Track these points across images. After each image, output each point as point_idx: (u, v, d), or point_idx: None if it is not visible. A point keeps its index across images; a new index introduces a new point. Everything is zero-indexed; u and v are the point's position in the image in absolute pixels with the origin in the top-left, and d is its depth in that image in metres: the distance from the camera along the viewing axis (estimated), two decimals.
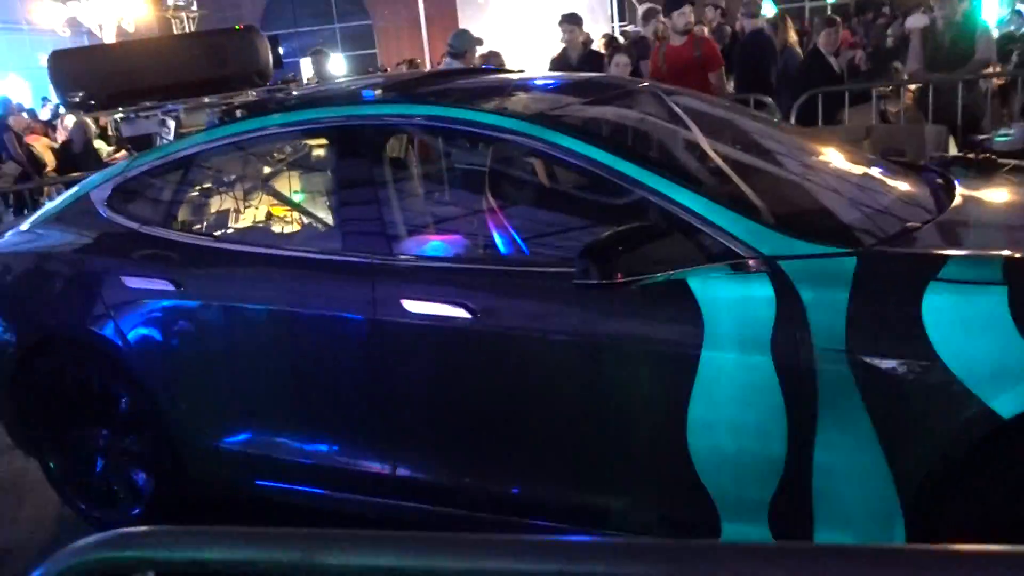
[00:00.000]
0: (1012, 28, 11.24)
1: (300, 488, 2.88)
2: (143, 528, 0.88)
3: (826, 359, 2.02)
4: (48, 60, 3.50)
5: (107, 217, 3.28)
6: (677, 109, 2.95)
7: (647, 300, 2.20)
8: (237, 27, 3.89)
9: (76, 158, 9.67)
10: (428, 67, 12.92)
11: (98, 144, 10.23)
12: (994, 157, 3.04)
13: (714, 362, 2.13)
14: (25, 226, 3.65)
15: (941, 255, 2.08)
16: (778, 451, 2.10)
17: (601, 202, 2.50)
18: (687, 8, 6.64)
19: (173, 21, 15.79)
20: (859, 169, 2.86)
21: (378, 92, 2.83)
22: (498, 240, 2.62)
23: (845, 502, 2.09)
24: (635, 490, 2.36)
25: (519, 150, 2.73)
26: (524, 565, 0.77)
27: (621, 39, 11.83)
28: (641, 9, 10.45)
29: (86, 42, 13.63)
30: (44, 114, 12.81)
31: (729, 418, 2.15)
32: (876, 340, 2.00)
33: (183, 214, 3.21)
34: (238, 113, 3.24)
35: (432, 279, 2.56)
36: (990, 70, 6.39)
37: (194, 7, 16.12)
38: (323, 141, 3.08)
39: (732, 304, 2.13)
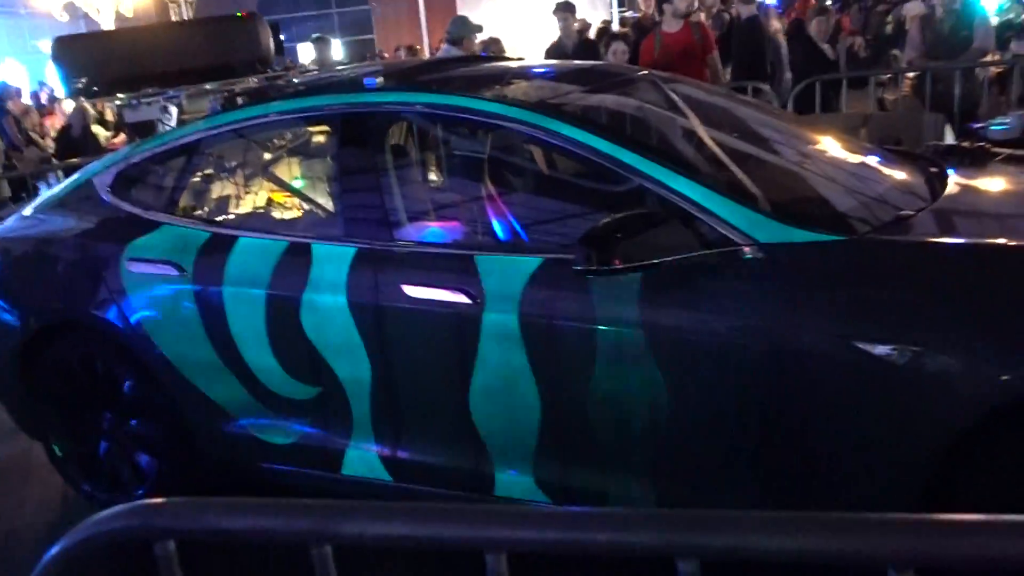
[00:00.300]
0: (1011, 16, 11.24)
1: (305, 471, 2.92)
2: (165, 499, 0.92)
3: (821, 345, 2.07)
4: (52, 45, 3.52)
5: (110, 202, 3.32)
6: (675, 97, 2.98)
7: (646, 286, 2.23)
8: (239, 14, 3.92)
9: (75, 143, 9.68)
10: (427, 53, 12.89)
11: (96, 129, 10.24)
12: (988, 146, 3.07)
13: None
14: (28, 211, 3.67)
15: (932, 243, 2.12)
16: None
17: (599, 189, 2.53)
18: None
19: (171, 7, 15.71)
20: (853, 157, 2.90)
21: (379, 80, 2.86)
22: (498, 227, 2.66)
23: (838, 485, 2.14)
24: (630, 473, 2.41)
25: (519, 138, 2.76)
26: (525, 533, 0.81)
27: (618, 26, 11.83)
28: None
29: (83, 27, 13.57)
30: (39, 99, 12.77)
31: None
32: (867, 325, 2.04)
33: (186, 200, 3.24)
34: (240, 100, 3.27)
35: (432, 265, 2.60)
36: (988, 58, 6.41)
37: None
38: (325, 128, 3.11)
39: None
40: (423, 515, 0.85)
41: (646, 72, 3.24)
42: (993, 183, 2.81)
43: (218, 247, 3.00)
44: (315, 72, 4.02)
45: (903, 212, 2.37)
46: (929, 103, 5.83)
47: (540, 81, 3.04)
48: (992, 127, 4.58)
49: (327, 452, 2.87)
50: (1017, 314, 1.95)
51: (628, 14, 13.37)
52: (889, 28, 14.20)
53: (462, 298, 2.48)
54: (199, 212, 3.21)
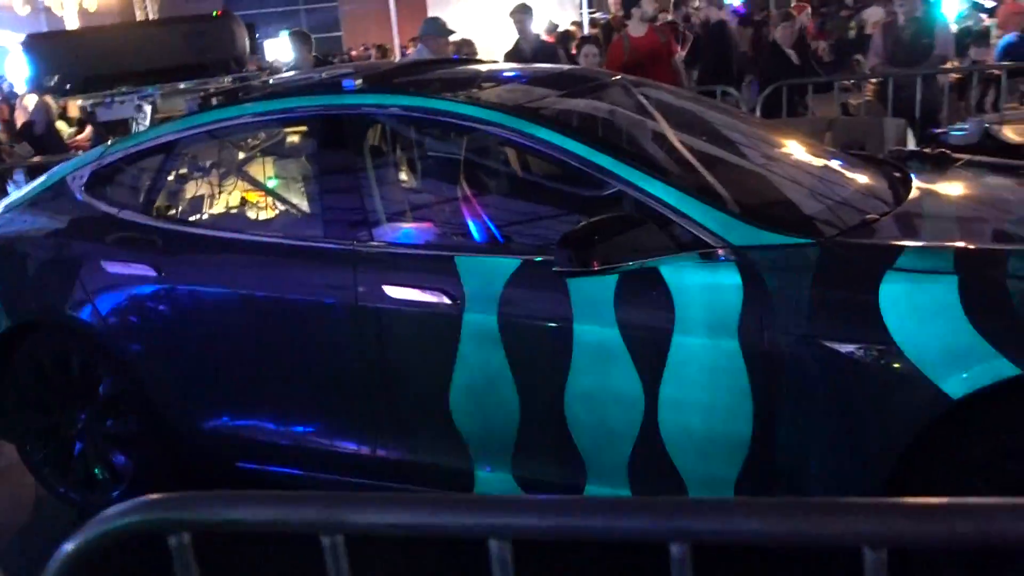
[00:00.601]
0: (970, 23, 11.54)
1: (281, 469, 2.95)
2: (179, 493, 0.96)
3: (791, 343, 2.14)
4: (23, 43, 3.50)
5: (85, 201, 3.31)
6: (648, 102, 3.05)
7: (623, 287, 2.30)
8: (215, 13, 3.92)
9: (38, 139, 9.55)
10: (397, 53, 12.87)
11: (59, 125, 10.09)
12: (948, 152, 3.18)
13: (685, 346, 2.24)
14: None
15: (897, 246, 2.21)
16: (744, 431, 2.23)
17: (576, 192, 2.59)
18: None
19: (135, 1, 15.52)
20: (821, 162, 2.99)
21: (357, 82, 2.89)
22: (477, 228, 2.71)
23: (807, 478, 2.22)
24: (606, 468, 2.47)
25: (497, 141, 2.81)
26: (527, 520, 0.87)
27: (588, 27, 11.93)
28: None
29: (43, 20, 13.36)
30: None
31: (698, 399, 2.27)
32: (837, 325, 2.12)
33: (163, 199, 3.24)
34: (216, 100, 3.27)
35: (413, 266, 2.64)
36: (949, 65, 6.58)
37: None
38: (303, 130, 3.14)
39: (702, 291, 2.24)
40: (430, 504, 0.89)
41: (619, 77, 3.31)
42: (954, 188, 2.92)
43: (196, 247, 3.01)
44: (289, 73, 4.00)
45: (869, 216, 2.46)
46: (891, 108, 5.98)
47: (517, 85, 3.09)
48: (952, 132, 4.72)
49: (307, 451, 2.89)
50: (976, 313, 2.04)
51: (597, 15, 13.47)
52: (852, 33, 14.51)
53: (443, 299, 2.53)
54: (176, 212, 3.22)
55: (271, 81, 3.49)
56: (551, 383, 2.43)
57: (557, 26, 10.90)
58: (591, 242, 2.23)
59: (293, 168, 3.19)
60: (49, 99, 10.44)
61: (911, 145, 5.24)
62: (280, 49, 22.13)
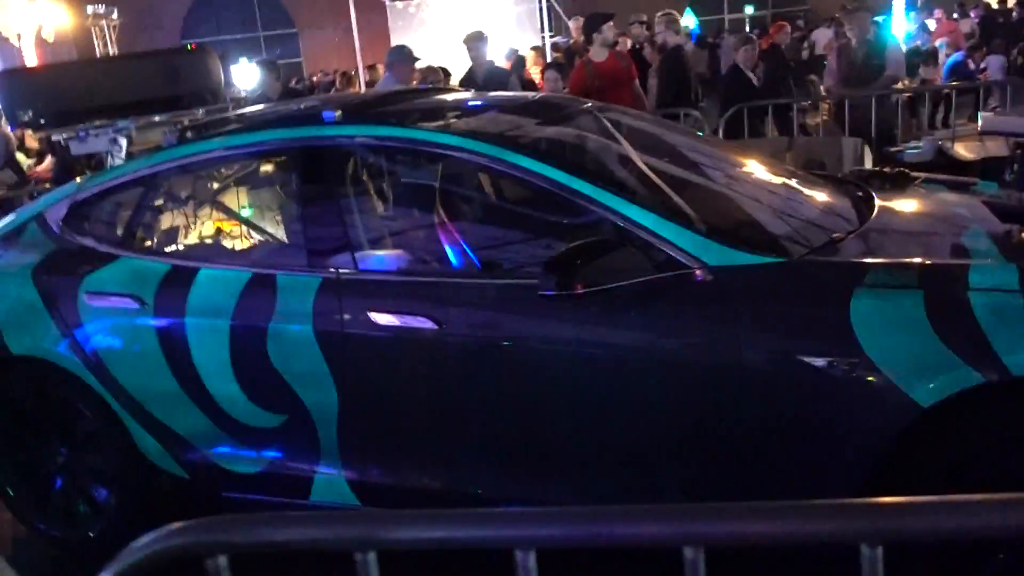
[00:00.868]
0: (918, 43, 11.94)
1: (271, 498, 2.97)
2: (217, 516, 1.01)
3: (766, 359, 2.24)
4: None
5: (63, 236, 3.31)
6: (621, 128, 3.16)
7: (606, 308, 2.38)
8: (189, 46, 3.97)
9: None
10: (361, 79, 12.93)
11: (18, 156, 9.99)
12: (907, 171, 3.33)
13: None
14: None
15: (865, 263, 2.32)
16: None
17: (558, 217, 2.67)
18: (610, 23, 6.91)
19: (93, 29, 15.41)
20: (789, 184, 3.11)
21: (337, 113, 2.94)
22: (457, 254, 2.78)
23: (781, 487, 2.31)
24: (595, 482, 2.53)
25: (479, 170, 2.88)
26: (551, 531, 0.94)
27: (550, 51, 12.08)
28: (573, 24, 10.74)
29: (9, 52, 13.24)
30: None
31: None
32: (810, 340, 2.22)
33: (144, 232, 3.26)
34: (194, 134, 3.30)
35: (396, 292, 2.70)
36: (900, 85, 6.82)
37: (115, 15, 15.74)
38: (284, 161, 3.18)
39: None
40: (457, 519, 0.96)
41: (590, 104, 3.41)
42: (913, 206, 3.05)
43: (179, 279, 3.03)
44: (258, 105, 4.03)
45: (835, 235, 2.57)
46: (848, 128, 6.18)
47: (495, 114, 3.17)
48: (908, 151, 4.90)
49: (294, 479, 2.91)
50: (940, 326, 2.15)
51: (557, 39, 13.63)
52: (805, 54, 14.89)
53: (428, 324, 2.59)
54: (157, 245, 3.23)
55: (245, 113, 3.53)
56: (537, 402, 2.50)
57: (516, 51, 11.05)
58: (574, 266, 2.31)
59: (273, 199, 3.23)
60: (7, 130, 10.32)
61: (868, 163, 5.42)
62: (241, 76, 22.14)
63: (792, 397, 2.23)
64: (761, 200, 2.85)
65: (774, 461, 2.30)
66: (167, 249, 3.21)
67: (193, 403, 3.01)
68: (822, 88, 6.98)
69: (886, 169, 3.40)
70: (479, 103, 3.46)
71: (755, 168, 3.25)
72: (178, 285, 3.02)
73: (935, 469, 2.17)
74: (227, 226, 3.23)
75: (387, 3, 13.46)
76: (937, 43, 11.95)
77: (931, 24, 14.84)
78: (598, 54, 6.87)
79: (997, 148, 4.93)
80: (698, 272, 2.34)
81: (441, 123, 2.90)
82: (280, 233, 3.13)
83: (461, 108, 3.29)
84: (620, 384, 2.41)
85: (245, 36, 26.62)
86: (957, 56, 10.76)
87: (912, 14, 15.26)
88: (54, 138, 3.51)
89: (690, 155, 3.24)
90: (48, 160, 9.00)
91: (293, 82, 18.29)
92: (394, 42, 13.46)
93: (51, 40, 12.79)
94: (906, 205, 3.03)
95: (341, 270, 2.77)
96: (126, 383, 3.07)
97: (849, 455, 2.20)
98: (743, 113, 6.45)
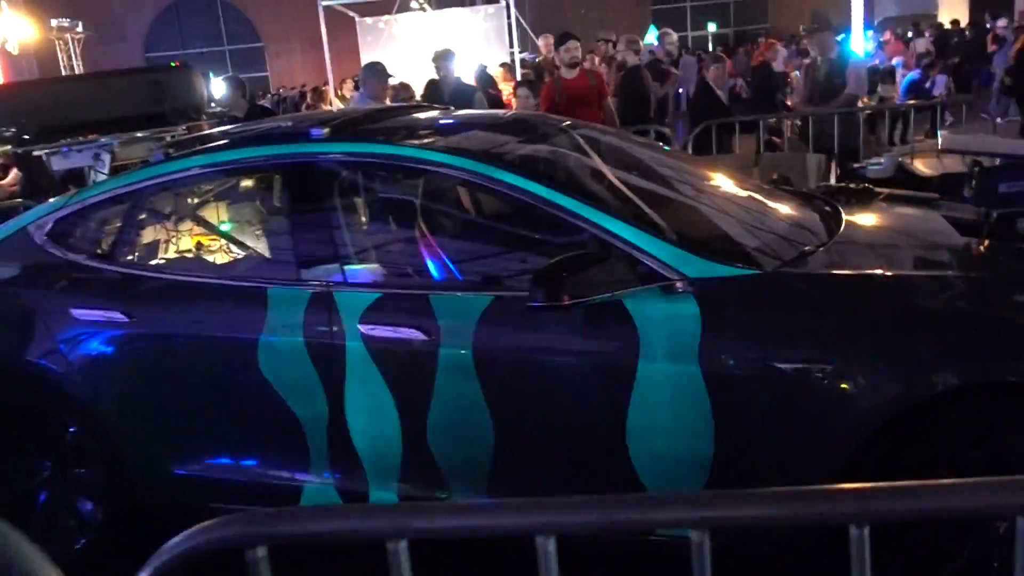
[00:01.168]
0: (876, 61, 12.29)
1: (261, 508, 3.01)
2: (256, 509, 1.08)
3: (743, 366, 2.35)
4: None
5: (48, 250, 3.33)
6: (599, 146, 3.27)
7: (592, 318, 2.47)
8: (173, 64, 4.02)
9: None
10: (331, 93, 12.96)
11: None
12: (871, 187, 3.49)
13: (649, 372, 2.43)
14: None
15: (833, 274, 2.45)
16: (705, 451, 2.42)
17: (543, 231, 2.76)
18: (572, 43, 7.09)
19: (57, 43, 15.29)
20: (761, 199, 3.24)
21: (325, 131, 3.02)
22: (446, 267, 2.86)
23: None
24: (580, 490, 2.63)
25: (465, 186, 2.97)
26: (569, 518, 1.03)
27: (519, 68, 12.23)
28: (542, 41, 10.92)
29: None
30: None
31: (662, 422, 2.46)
32: (784, 347, 2.34)
33: (130, 246, 3.29)
34: (182, 150, 3.34)
35: (385, 305, 2.77)
36: (861, 103, 7.05)
37: (79, 28, 15.64)
38: (270, 176, 3.24)
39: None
40: (483, 509, 1.04)
41: (567, 123, 3.52)
42: (879, 220, 3.20)
43: (166, 293, 3.07)
44: (241, 122, 4.08)
45: (806, 248, 2.70)
46: (812, 144, 6.38)
47: (478, 132, 3.27)
48: (869, 167, 5.08)
49: (284, 488, 2.96)
50: (906, 334, 2.28)
51: (525, 55, 13.80)
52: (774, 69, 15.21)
53: (418, 335, 2.66)
54: (145, 259, 3.27)
55: (231, 129, 3.58)
56: (526, 412, 2.59)
57: (485, 67, 11.18)
58: (561, 278, 2.40)
59: (261, 214, 3.29)
60: None
61: (833, 178, 5.61)
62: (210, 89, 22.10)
63: (767, 401, 2.34)
64: (735, 215, 2.97)
65: (748, 463, 2.41)
66: (154, 263, 3.24)
67: (180, 414, 3.05)
68: (788, 103, 7.18)
69: (852, 185, 3.55)
70: (461, 121, 3.55)
71: (728, 183, 3.38)
72: (166, 299, 3.06)
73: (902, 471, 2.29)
74: (215, 241, 3.28)
75: (356, 19, 13.53)
76: (893, 61, 12.32)
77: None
78: (568, 72, 7.02)
79: (954, 164, 5.14)
80: (678, 283, 2.45)
81: (427, 140, 2.98)
82: (269, 247, 3.19)
83: (445, 126, 3.38)
84: (604, 391, 2.50)
85: (210, 50, 26.52)
86: (914, 74, 11.11)
87: (870, 32, 15.69)
88: (35, 153, 3.54)
89: (665, 171, 3.36)
90: (13, 173, 8.93)
91: (259, 96, 18.26)
92: (363, 57, 13.54)
93: (15, 53, 12.67)
94: (872, 220, 3.18)
95: (330, 283, 2.83)
96: (112, 395, 3.10)
97: (819, 456, 2.32)
98: (711, 129, 6.62)
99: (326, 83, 14.15)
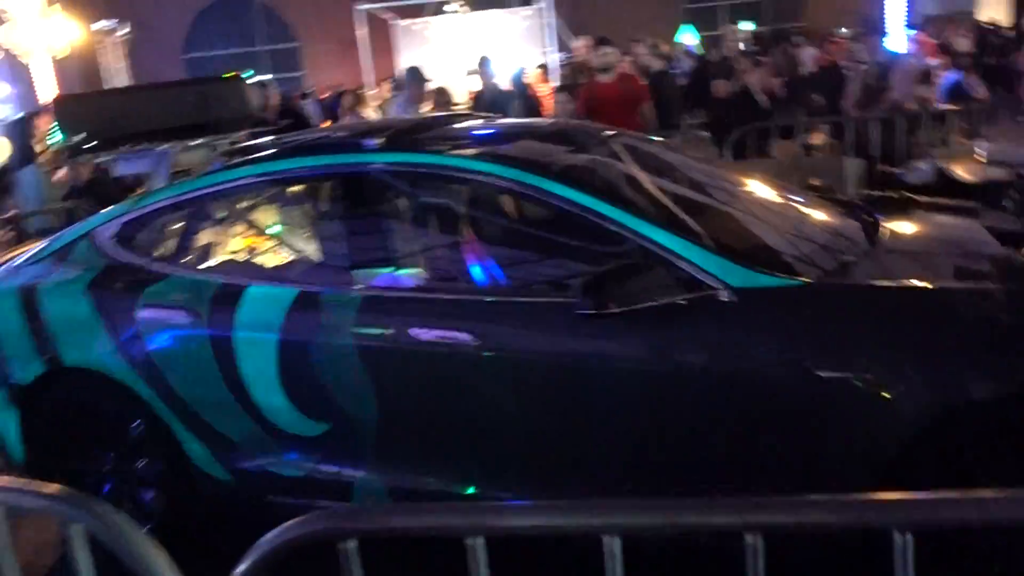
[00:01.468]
0: (913, 62, 12.15)
1: (314, 502, 3.12)
2: (346, 506, 1.19)
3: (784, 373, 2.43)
4: (53, 103, 3.72)
5: (114, 254, 3.49)
6: (644, 156, 3.36)
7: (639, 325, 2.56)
8: (226, 76, 4.18)
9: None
10: (369, 95, 13.13)
11: None
12: (911, 196, 3.53)
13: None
14: (23, 261, 3.80)
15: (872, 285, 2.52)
16: None
17: (590, 241, 2.84)
18: (605, 48, 7.15)
19: (100, 46, 15.64)
20: (803, 208, 3.31)
21: (379, 141, 3.13)
22: (495, 274, 2.97)
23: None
24: (630, 487, 2.71)
25: (515, 196, 3.06)
26: (634, 519, 1.12)
27: (558, 68, 12.30)
28: (579, 42, 10.98)
29: (6, 68, 13.50)
30: None
31: None
32: (826, 356, 2.41)
33: (194, 250, 3.43)
34: (236, 158, 3.48)
35: (436, 310, 2.88)
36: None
37: (121, 31, 15.98)
38: (328, 185, 3.37)
39: None
40: (554, 509, 1.14)
41: (613, 132, 3.61)
42: (919, 230, 3.25)
43: (229, 295, 3.21)
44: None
45: (847, 258, 2.76)
46: (855, 148, 6.37)
47: (527, 142, 3.36)
48: (909, 172, 5.09)
49: (336, 484, 3.08)
50: (945, 346, 2.34)
51: (560, 55, 13.83)
52: (803, 69, 15.09)
53: (467, 338, 2.77)
54: (207, 262, 3.41)
55: (286, 138, 3.72)
56: (567, 414, 2.69)
57: (523, 71, 11.29)
58: (608, 288, 2.49)
59: (317, 221, 3.41)
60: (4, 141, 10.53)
61: (862, 182, 5.63)
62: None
63: (808, 408, 2.41)
64: (777, 224, 3.04)
65: (788, 469, 2.49)
66: (216, 266, 3.38)
67: (241, 412, 3.18)
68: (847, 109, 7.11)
69: (892, 194, 3.59)
70: (509, 131, 3.65)
71: (769, 192, 3.45)
72: (228, 301, 3.20)
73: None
74: (273, 246, 3.41)
75: (392, 22, 13.69)
76: (931, 62, 12.16)
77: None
78: (603, 76, 7.09)
79: (996, 171, 5.13)
80: (722, 293, 2.53)
81: (477, 151, 3.09)
82: (324, 253, 3.31)
83: (494, 136, 3.49)
84: (649, 396, 2.59)
85: (246, 51, 26.87)
86: (954, 76, 10.97)
87: (912, 32, 15.51)
88: (96, 160, 3.72)
89: (709, 180, 3.44)
90: (63, 172, 9.22)
91: (296, 97, 18.47)
92: (399, 59, 13.72)
93: (64, 56, 13.01)
94: (912, 229, 3.23)
95: (383, 288, 2.95)
96: (177, 392, 3.24)
97: (857, 463, 2.39)
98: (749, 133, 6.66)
99: (362, 87, 14.34)
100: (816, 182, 4.16)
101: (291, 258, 3.33)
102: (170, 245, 3.45)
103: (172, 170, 3.77)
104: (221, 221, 3.46)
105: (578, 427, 2.72)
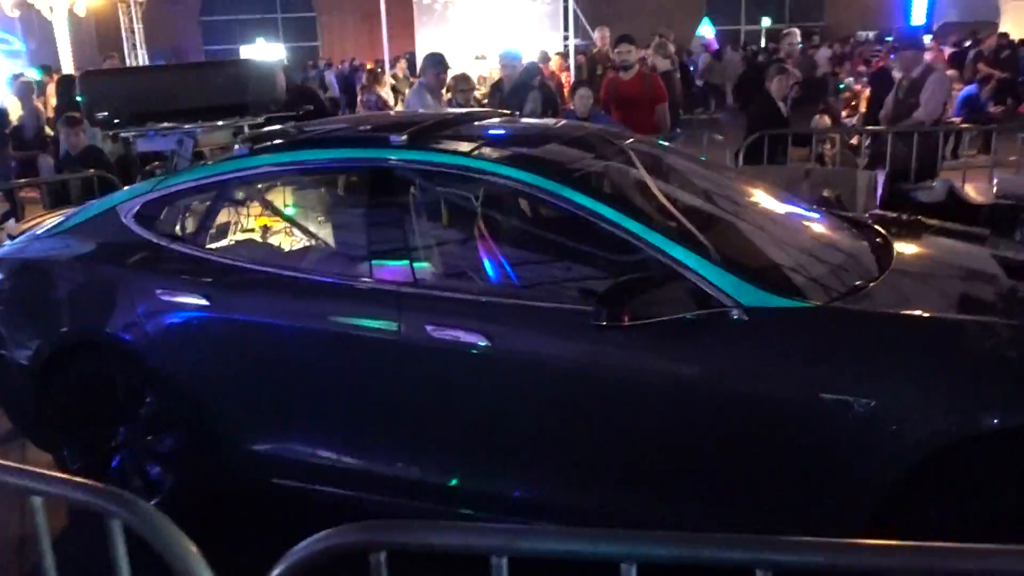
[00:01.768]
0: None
1: (320, 487, 3.21)
2: (379, 520, 1.26)
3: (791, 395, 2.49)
4: (79, 78, 3.76)
5: (135, 231, 3.55)
6: (665, 166, 3.41)
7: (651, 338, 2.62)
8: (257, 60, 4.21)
9: (27, 144, 9.69)
10: (388, 71, 13.13)
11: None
12: (921, 219, 3.57)
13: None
14: (44, 232, 3.86)
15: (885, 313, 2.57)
16: None
17: (607, 250, 2.90)
18: (624, 46, 7.19)
19: (120, 6, 15.61)
20: (818, 227, 3.36)
21: (403, 138, 3.18)
22: (514, 277, 3.03)
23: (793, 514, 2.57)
24: (639, 494, 2.79)
25: (538, 202, 3.11)
26: (655, 550, 1.19)
27: (572, 56, 12.32)
28: (597, 33, 10.98)
29: (35, 20, 13.47)
30: None
31: None
32: (834, 379, 2.48)
33: (213, 234, 3.50)
34: (258, 143, 3.52)
35: (452, 309, 2.94)
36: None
37: None
38: (350, 178, 3.42)
39: None
40: (578, 536, 1.21)
41: (633, 140, 3.65)
42: (929, 255, 3.30)
43: (246, 280, 3.27)
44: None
45: (858, 283, 2.81)
46: (871, 161, 6.41)
47: (553, 146, 3.38)
48: (920, 191, 5.13)
49: (343, 471, 3.16)
50: (948, 374, 2.40)
51: (579, 42, 13.82)
52: (819, 71, 15.08)
53: (481, 339, 2.83)
54: (227, 246, 3.47)
55: (310, 128, 3.77)
56: (577, 419, 2.76)
57: (547, 53, 11.31)
58: (623, 300, 2.55)
59: (339, 213, 3.47)
60: (39, 104, 10.55)
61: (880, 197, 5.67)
62: (255, 54, 22.22)
63: (814, 429, 2.48)
64: (792, 244, 3.08)
65: (788, 490, 2.56)
66: (236, 251, 3.44)
67: (252, 394, 3.26)
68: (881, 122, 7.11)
69: (903, 216, 3.64)
70: (537, 134, 3.70)
71: (784, 208, 3.49)
72: (245, 285, 3.26)
73: (942, 505, 2.41)
74: (293, 234, 3.47)
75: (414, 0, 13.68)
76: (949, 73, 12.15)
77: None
78: (624, 74, 7.14)
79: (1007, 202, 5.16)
80: (734, 312, 2.59)
81: (503, 154, 3.13)
82: (344, 245, 3.37)
83: (520, 138, 3.54)
84: (655, 409, 2.66)
85: (263, 16, 26.80)
86: (970, 89, 11.00)
87: (928, 38, 15.44)
88: (122, 135, 3.77)
89: (725, 193, 3.48)
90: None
91: (310, 65, 18.42)
92: (418, 36, 13.72)
93: (82, 15, 12.99)
94: (921, 254, 3.28)
95: (400, 284, 3.01)
96: (188, 371, 3.31)
97: (861, 485, 2.46)
98: (763, 141, 6.70)
99: (380, 63, 14.34)
100: (828, 193, 4.21)
101: (309, 247, 3.39)
102: (189, 226, 3.51)
103: (196, 149, 3.82)
104: (241, 207, 3.52)
105: (580, 432, 2.78)
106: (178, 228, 3.55)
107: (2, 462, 1.56)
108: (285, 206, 3.61)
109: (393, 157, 3.16)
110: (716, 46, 20.62)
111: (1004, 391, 2.37)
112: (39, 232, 3.91)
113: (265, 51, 22.88)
